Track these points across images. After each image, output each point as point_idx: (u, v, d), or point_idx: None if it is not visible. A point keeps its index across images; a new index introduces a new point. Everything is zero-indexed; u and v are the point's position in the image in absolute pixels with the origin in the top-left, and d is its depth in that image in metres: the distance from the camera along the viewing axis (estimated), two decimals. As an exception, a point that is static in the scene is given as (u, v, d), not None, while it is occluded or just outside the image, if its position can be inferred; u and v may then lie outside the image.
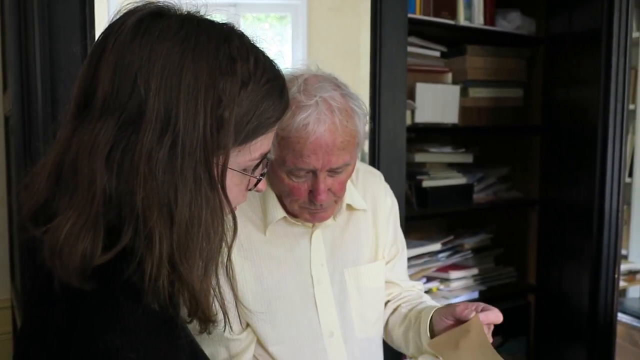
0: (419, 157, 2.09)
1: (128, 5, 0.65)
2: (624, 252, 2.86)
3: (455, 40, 2.14)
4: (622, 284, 2.67)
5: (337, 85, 0.98)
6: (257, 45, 0.69)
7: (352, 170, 1.04)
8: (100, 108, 0.60)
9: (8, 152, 1.87)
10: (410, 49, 1.84)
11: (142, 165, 0.59)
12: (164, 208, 0.59)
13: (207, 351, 0.97)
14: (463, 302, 1.06)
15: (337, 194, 1.02)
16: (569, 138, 2.10)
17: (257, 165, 0.70)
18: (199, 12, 0.67)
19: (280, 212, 1.05)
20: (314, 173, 0.97)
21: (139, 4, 0.65)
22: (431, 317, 1.08)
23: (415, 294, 1.25)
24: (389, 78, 1.71)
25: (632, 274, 2.74)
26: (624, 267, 2.72)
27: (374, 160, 1.70)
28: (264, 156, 0.70)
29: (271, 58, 0.71)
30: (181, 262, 0.61)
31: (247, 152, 0.67)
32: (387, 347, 1.24)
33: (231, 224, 0.65)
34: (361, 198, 1.14)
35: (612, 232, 1.98)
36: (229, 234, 0.65)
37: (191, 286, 0.62)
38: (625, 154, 2.00)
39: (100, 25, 1.32)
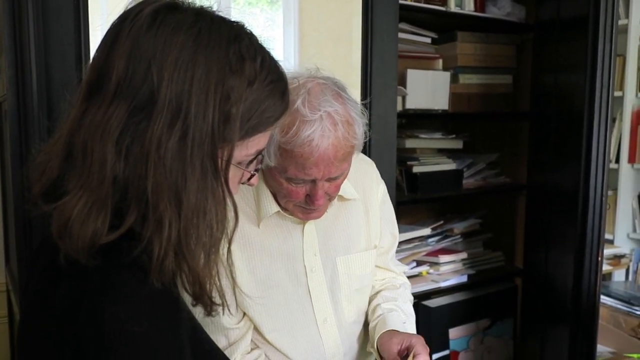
0: (410, 143, 2.11)
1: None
2: (609, 236, 2.92)
3: (445, 27, 2.16)
4: (607, 268, 2.73)
5: (337, 93, 0.98)
6: (264, 46, 0.72)
7: (348, 172, 1.05)
8: (113, 92, 0.62)
9: (1, 137, 1.87)
10: (401, 35, 1.86)
11: (153, 152, 0.61)
12: (172, 194, 0.62)
13: None
14: (404, 339, 1.09)
15: (332, 195, 1.05)
16: (556, 124, 2.13)
17: (251, 160, 0.73)
18: (211, 7, 0.70)
19: (274, 207, 1.07)
20: (313, 181, 0.99)
21: None
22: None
23: (391, 293, 1.26)
24: (380, 64, 1.72)
25: (617, 258, 2.80)
26: (609, 251, 2.78)
27: (366, 146, 1.71)
28: (259, 152, 0.74)
29: (276, 60, 0.74)
30: (186, 246, 0.63)
31: (244, 147, 0.69)
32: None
33: (232, 214, 0.68)
34: (352, 187, 1.16)
35: (596, 217, 2.03)
36: (230, 224, 0.68)
37: (195, 270, 0.64)
38: (610, 140, 2.04)
39: (94, 8, 1.33)
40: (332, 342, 1.15)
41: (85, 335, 0.58)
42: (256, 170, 0.75)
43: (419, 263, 2.12)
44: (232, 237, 0.69)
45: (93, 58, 0.67)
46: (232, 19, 0.71)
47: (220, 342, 1.06)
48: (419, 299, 2.08)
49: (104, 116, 0.62)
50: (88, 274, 0.60)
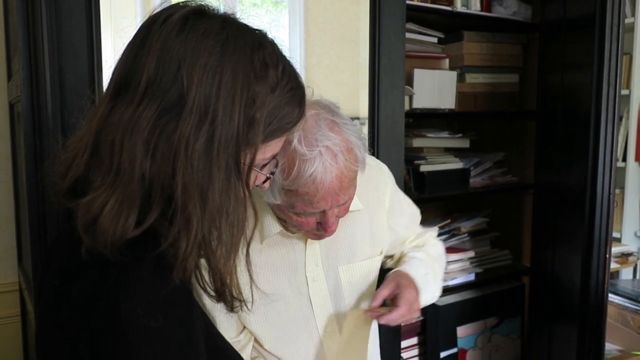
0: (417, 142, 2.12)
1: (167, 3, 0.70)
2: (617, 235, 2.92)
3: (452, 27, 2.17)
4: (615, 266, 2.73)
5: (332, 121, 0.96)
6: (284, 53, 0.75)
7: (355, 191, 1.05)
8: (143, 92, 0.64)
9: (13, 139, 1.90)
10: (408, 35, 1.87)
11: (181, 151, 0.63)
12: (199, 193, 0.64)
13: None
14: (399, 289, 1.10)
15: (343, 215, 1.04)
16: (563, 123, 2.14)
17: (265, 164, 0.75)
18: (235, 14, 0.72)
19: (276, 227, 1.06)
20: (323, 211, 0.98)
21: (180, 1, 0.70)
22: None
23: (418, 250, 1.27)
24: (388, 64, 1.74)
25: (624, 256, 2.80)
26: (617, 249, 2.78)
27: (373, 146, 1.73)
28: (274, 157, 0.76)
29: (295, 67, 0.76)
30: (209, 245, 0.65)
31: (262, 151, 0.72)
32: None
33: (252, 214, 0.70)
34: (357, 198, 1.13)
35: (604, 215, 2.03)
36: (250, 224, 0.70)
37: (217, 267, 0.67)
38: (617, 139, 2.04)
39: (105, 9, 1.34)
40: (334, 348, 1.16)
41: (102, 329, 0.60)
42: (272, 173, 0.77)
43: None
44: (251, 236, 0.71)
45: (120, 59, 0.70)
46: (255, 27, 0.74)
47: None
48: (426, 297, 2.09)
49: (133, 115, 0.64)
50: (108, 268, 0.61)
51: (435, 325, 2.09)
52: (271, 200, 0.96)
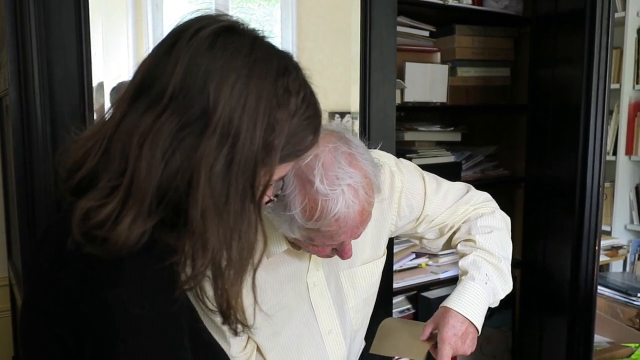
0: (408, 136, 2.12)
1: (199, 13, 0.70)
2: (607, 228, 2.94)
3: (443, 20, 2.17)
4: (605, 259, 2.75)
5: (349, 154, 0.93)
6: (307, 80, 0.75)
7: None
8: (167, 103, 0.64)
9: (1, 133, 1.88)
10: (399, 28, 1.87)
11: (201, 171, 0.63)
12: (214, 214, 0.64)
13: None
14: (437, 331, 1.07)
15: (356, 238, 1.01)
16: (554, 117, 2.15)
17: (269, 185, 0.74)
18: (264, 33, 0.73)
19: (283, 246, 1.04)
20: (341, 242, 0.97)
21: (212, 14, 0.70)
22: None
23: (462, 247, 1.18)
24: (379, 58, 1.73)
25: (615, 249, 2.83)
26: (607, 242, 2.80)
27: (365, 139, 1.72)
28: (280, 179, 0.77)
29: (315, 95, 0.77)
30: (220, 266, 0.66)
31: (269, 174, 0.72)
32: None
33: (261, 239, 0.71)
34: None
35: (593, 208, 2.04)
36: (259, 248, 0.70)
37: (225, 289, 0.67)
38: (607, 132, 2.05)
39: (95, 3, 1.33)
40: (337, 351, 1.16)
41: (87, 314, 0.60)
42: (276, 195, 0.78)
43: (418, 255, 2.14)
44: (260, 260, 0.71)
45: (143, 62, 0.69)
46: (282, 50, 0.74)
47: None
48: (418, 290, 2.10)
49: (154, 124, 0.63)
50: (98, 258, 0.61)
51: (427, 318, 2.09)
52: (288, 234, 0.94)
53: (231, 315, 0.69)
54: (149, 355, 0.59)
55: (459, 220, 1.19)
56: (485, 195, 1.26)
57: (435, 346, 1.06)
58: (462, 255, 1.15)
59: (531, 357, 2.28)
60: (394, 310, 2.02)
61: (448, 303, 1.08)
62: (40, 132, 1.26)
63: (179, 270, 0.65)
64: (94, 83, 1.32)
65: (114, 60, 1.42)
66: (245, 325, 0.71)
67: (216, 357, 0.75)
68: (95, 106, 1.32)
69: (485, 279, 1.10)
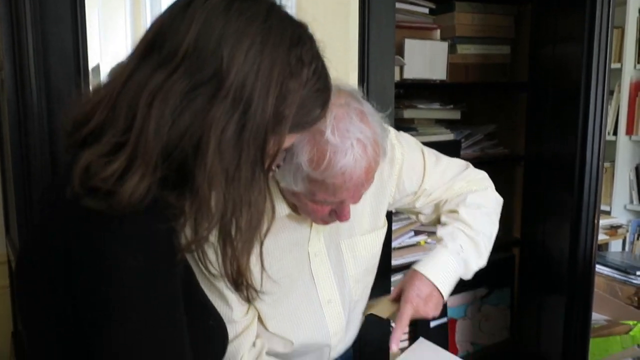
0: (408, 114, 2.11)
1: None
2: (606, 208, 2.95)
3: (443, -3, 2.15)
4: (604, 238, 2.75)
5: (361, 112, 0.93)
6: (320, 52, 0.74)
7: None
8: (180, 61, 0.63)
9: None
10: (398, 5, 1.85)
11: (212, 135, 0.62)
12: (224, 180, 0.63)
13: None
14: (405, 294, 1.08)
15: (356, 203, 1.01)
16: (554, 95, 2.13)
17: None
18: (280, 1, 0.72)
19: (284, 209, 1.04)
20: (342, 201, 0.97)
21: None
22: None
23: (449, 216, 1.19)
24: (378, 34, 1.72)
25: (614, 228, 2.83)
26: (606, 222, 2.81)
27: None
28: (284, 150, 0.76)
29: (327, 68, 0.76)
30: (230, 234, 0.66)
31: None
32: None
33: (270, 208, 0.70)
34: None
35: (592, 187, 2.03)
36: (267, 217, 0.70)
37: (235, 256, 0.67)
38: (607, 111, 2.04)
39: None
40: (336, 321, 1.16)
41: (80, 266, 0.60)
42: (277, 166, 0.77)
43: (417, 233, 2.14)
44: (268, 228, 0.71)
45: (156, 20, 0.68)
46: (297, 19, 0.73)
47: (231, 332, 1.02)
48: (417, 268, 2.10)
49: (165, 81, 0.62)
50: (94, 211, 0.60)
51: (425, 296, 2.10)
52: (290, 187, 0.94)
53: (243, 282, 0.69)
54: (141, 307, 0.58)
55: (454, 196, 1.20)
56: (483, 174, 1.27)
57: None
58: (443, 225, 1.17)
59: (529, 335, 2.29)
60: (392, 288, 2.02)
61: (417, 266, 1.11)
62: (36, 107, 1.25)
63: (181, 232, 0.65)
64: (90, 65, 1.30)
65: (111, 42, 1.41)
66: (256, 291, 0.71)
67: (212, 318, 0.75)
68: (92, 84, 1.31)
69: (459, 250, 1.12)
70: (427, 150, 1.21)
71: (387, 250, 1.95)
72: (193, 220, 0.63)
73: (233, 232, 0.66)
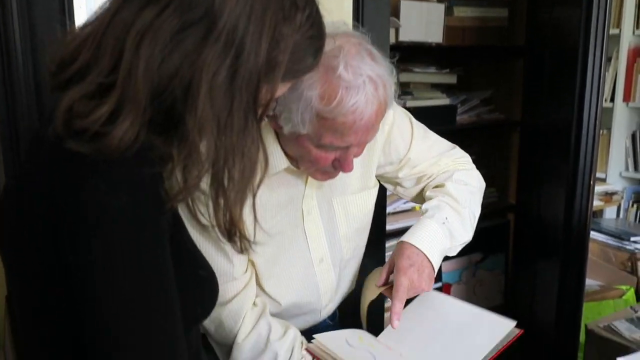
0: (403, 77, 2.08)
1: None
2: (602, 175, 2.94)
3: (440, -43, 2.11)
4: (599, 204, 2.75)
5: (370, 52, 0.92)
6: None
7: None
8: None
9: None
10: (394, -36, 1.81)
11: (202, 79, 0.60)
12: (215, 127, 0.61)
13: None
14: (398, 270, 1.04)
15: (359, 155, 1.00)
16: (551, 60, 2.11)
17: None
18: None
19: (283, 162, 1.01)
20: (347, 147, 0.94)
21: None
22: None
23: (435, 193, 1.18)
24: (373, -5, 1.68)
25: (608, 195, 2.82)
26: (601, 188, 2.80)
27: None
28: (274, 100, 0.73)
29: (321, 15, 0.73)
30: (223, 183, 0.63)
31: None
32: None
33: (262, 158, 0.68)
34: None
35: (588, 153, 2.02)
36: (261, 168, 0.68)
37: (228, 206, 0.65)
38: (605, 77, 2.02)
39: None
40: (327, 280, 1.15)
41: (62, 206, 0.58)
42: (267, 116, 0.75)
43: (412, 199, 2.13)
44: (261, 179, 0.69)
45: None
46: None
47: (230, 292, 1.03)
48: (412, 233, 2.10)
49: (154, 20, 0.59)
50: (78, 153, 0.59)
51: (420, 261, 2.11)
52: (296, 129, 0.91)
53: (236, 232, 0.68)
54: (126, 250, 0.57)
55: (438, 172, 1.20)
56: (468, 157, 1.27)
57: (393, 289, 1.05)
58: (428, 199, 1.16)
59: (523, 299, 2.31)
60: (387, 254, 2.02)
61: (404, 238, 1.08)
62: (20, 58, 1.22)
63: (170, 180, 0.63)
64: (76, 1, 1.26)
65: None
66: (249, 241, 0.70)
67: (201, 268, 0.73)
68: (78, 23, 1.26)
69: (444, 220, 1.10)
70: (415, 121, 1.20)
71: (381, 215, 1.94)
72: (182, 167, 0.62)
73: (225, 182, 0.64)
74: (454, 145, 1.26)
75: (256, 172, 0.67)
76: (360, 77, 0.87)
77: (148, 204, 0.59)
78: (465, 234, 1.15)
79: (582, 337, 2.04)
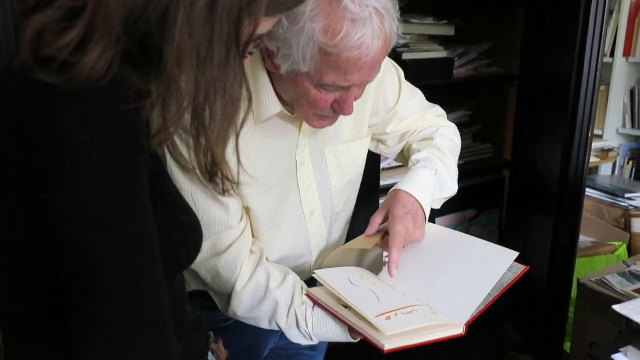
0: (400, 28, 2.02)
1: None
2: (599, 132, 2.92)
3: None
4: (595, 161, 2.74)
5: None
6: None
7: None
8: None
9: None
10: None
11: (181, 5, 0.55)
12: (194, 60, 0.57)
13: (211, 240, 0.97)
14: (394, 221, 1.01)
15: (358, 98, 0.96)
16: (551, 13, 2.05)
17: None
18: None
19: (276, 107, 0.97)
20: (348, 87, 0.90)
21: None
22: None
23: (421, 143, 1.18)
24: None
25: (605, 151, 2.81)
26: (598, 145, 2.79)
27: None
28: (260, 37, 0.69)
29: None
30: (203, 121, 0.60)
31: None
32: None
33: (246, 96, 0.64)
34: None
35: (587, 109, 1.99)
36: (244, 106, 0.64)
37: (209, 146, 0.62)
38: (606, 31, 1.96)
39: None
40: (318, 234, 1.14)
41: (32, 143, 0.54)
42: (250, 53, 0.70)
43: (407, 154, 2.11)
44: (245, 118, 0.65)
45: None
46: None
47: (226, 241, 1.00)
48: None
49: None
50: (47, 83, 0.55)
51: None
52: (296, 67, 0.86)
53: (217, 173, 0.64)
54: (96, 189, 0.53)
55: (423, 127, 1.18)
56: (446, 115, 1.26)
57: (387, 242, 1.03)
58: (417, 151, 1.14)
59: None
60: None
61: (397, 186, 1.06)
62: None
63: (147, 118, 0.59)
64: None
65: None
66: (233, 183, 0.66)
67: (184, 214, 0.71)
68: None
69: (435, 171, 1.09)
70: (402, 72, 1.17)
71: (375, 171, 1.92)
72: (161, 104, 0.58)
73: (207, 120, 0.60)
74: (435, 105, 1.25)
75: (239, 110, 0.63)
76: (367, 9, 0.82)
77: (123, 141, 0.56)
78: (452, 187, 1.14)
79: (574, 292, 2.06)
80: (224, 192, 0.66)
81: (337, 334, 1.00)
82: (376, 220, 1.06)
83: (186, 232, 0.70)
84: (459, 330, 0.92)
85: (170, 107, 0.58)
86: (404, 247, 1.01)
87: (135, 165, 0.56)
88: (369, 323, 0.91)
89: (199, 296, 1.09)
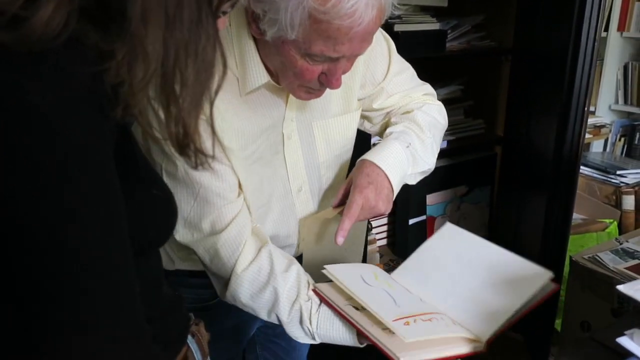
0: (393, -1, 1.95)
1: None
2: (591, 108, 2.88)
3: None
4: (587, 137, 2.71)
5: None
6: None
7: None
8: None
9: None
10: None
11: None
12: (163, 18, 0.51)
13: (210, 217, 0.92)
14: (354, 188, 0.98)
15: (347, 72, 0.91)
16: (548, -16, 1.99)
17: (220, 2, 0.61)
18: None
19: (263, 77, 0.92)
20: (337, 59, 0.85)
21: None
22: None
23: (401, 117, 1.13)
24: None
25: (597, 128, 2.78)
26: (590, 121, 2.74)
27: None
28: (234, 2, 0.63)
29: None
30: (173, 88, 0.54)
31: None
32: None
33: (220, 61, 0.58)
34: None
35: (583, 84, 1.94)
36: (218, 73, 0.58)
37: (180, 115, 0.55)
38: (604, 7, 1.91)
39: None
40: (306, 212, 1.09)
41: None
42: (224, 12, 0.63)
43: (398, 129, 2.05)
44: (219, 85, 0.59)
45: None
46: None
47: (227, 217, 0.94)
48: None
49: None
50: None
51: (405, 192, 2.05)
52: (283, 34, 0.81)
53: (189, 145, 0.58)
54: (52, 158, 0.47)
55: (407, 104, 1.13)
56: (436, 95, 1.21)
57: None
58: (393, 124, 1.09)
59: (507, 232, 2.29)
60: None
61: (364, 156, 1.02)
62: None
63: (111, 82, 0.53)
64: None
65: None
66: (206, 155, 0.61)
67: (155, 187, 0.65)
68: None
69: (408, 144, 1.04)
70: (393, 45, 1.12)
71: (365, 147, 1.86)
72: (126, 68, 0.52)
73: (178, 87, 0.54)
74: (424, 82, 1.19)
75: (213, 76, 0.57)
76: None
77: (83, 106, 0.49)
78: (428, 161, 1.09)
79: (565, 269, 2.04)
80: (197, 165, 0.60)
81: (344, 337, 0.94)
82: (341, 191, 1.02)
83: (155, 207, 0.64)
84: (480, 346, 0.86)
85: (135, 70, 0.51)
86: (367, 218, 0.97)
87: (99, 134, 0.50)
88: (383, 329, 0.84)
89: (183, 275, 1.04)
